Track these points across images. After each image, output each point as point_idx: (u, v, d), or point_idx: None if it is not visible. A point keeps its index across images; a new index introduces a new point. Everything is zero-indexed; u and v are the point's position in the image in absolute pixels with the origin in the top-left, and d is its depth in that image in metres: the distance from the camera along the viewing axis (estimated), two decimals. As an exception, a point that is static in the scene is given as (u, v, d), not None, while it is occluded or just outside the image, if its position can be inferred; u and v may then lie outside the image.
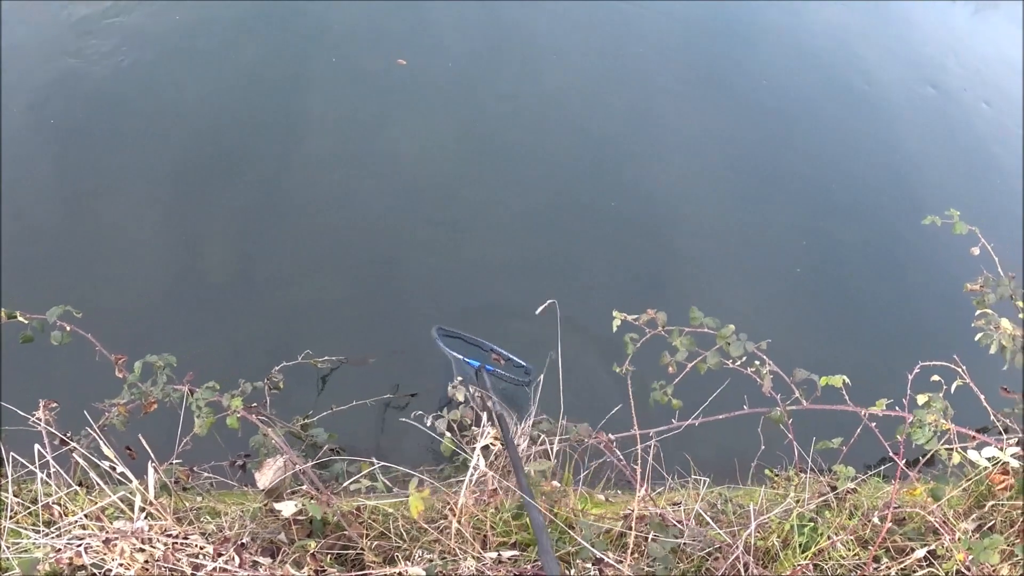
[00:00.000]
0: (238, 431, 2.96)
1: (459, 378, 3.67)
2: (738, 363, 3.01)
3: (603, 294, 5.40)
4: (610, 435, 3.04)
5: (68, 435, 2.99)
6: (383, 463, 2.91)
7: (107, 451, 2.33)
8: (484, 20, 8.31)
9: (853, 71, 8.24)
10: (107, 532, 2.27)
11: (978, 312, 3.66)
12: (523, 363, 4.32)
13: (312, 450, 3.39)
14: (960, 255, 4.04)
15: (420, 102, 7.19)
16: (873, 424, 2.82)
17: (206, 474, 2.97)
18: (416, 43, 7.81)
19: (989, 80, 8.39)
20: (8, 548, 2.36)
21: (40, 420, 2.73)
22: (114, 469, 2.33)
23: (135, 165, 6.38)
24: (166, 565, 2.30)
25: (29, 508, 2.54)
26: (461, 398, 3.53)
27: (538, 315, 3.14)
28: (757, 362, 3.06)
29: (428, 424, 3.09)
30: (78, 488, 2.56)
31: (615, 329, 3.07)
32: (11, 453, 2.72)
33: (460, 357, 4.33)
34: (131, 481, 2.41)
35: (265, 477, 2.88)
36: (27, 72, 7.01)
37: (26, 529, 2.49)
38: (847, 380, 2.71)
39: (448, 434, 3.05)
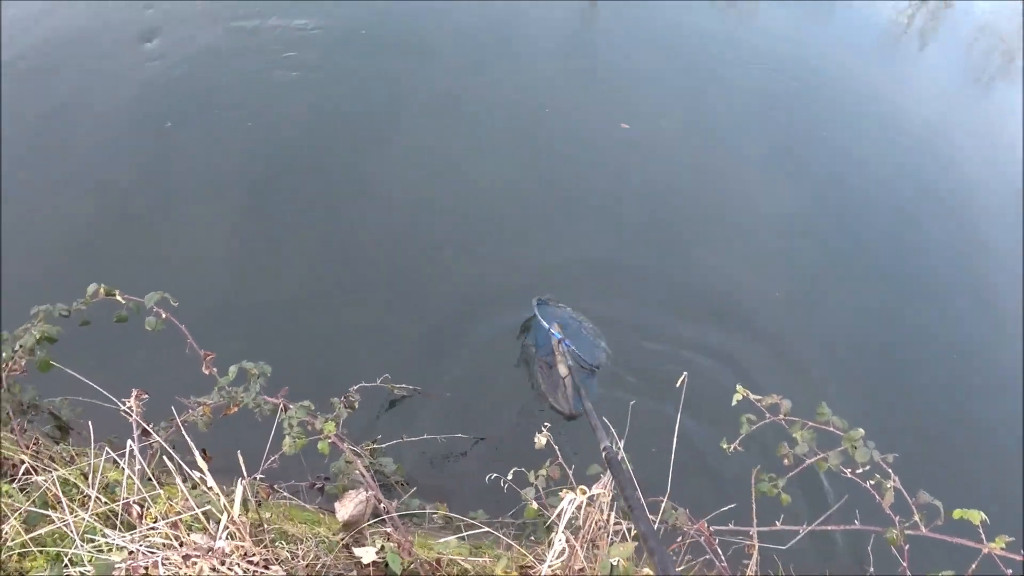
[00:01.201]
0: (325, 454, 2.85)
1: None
2: (860, 471, 2.78)
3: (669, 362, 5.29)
4: (711, 527, 2.82)
5: (151, 426, 2.93)
6: (459, 517, 2.77)
7: (201, 463, 2.22)
8: (583, 71, 8.42)
9: (939, 165, 8.05)
10: (187, 547, 2.15)
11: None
12: (593, 364, 5.03)
13: (379, 476, 3.27)
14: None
15: (503, 142, 7.27)
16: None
17: (284, 493, 2.85)
18: (518, 88, 7.90)
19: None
20: (84, 544, 2.27)
21: (131, 410, 2.65)
22: (204, 481, 2.22)
23: (227, 169, 6.59)
24: (240, 592, 2.18)
25: (106, 503, 2.45)
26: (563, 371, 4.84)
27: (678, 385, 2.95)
28: (877, 474, 2.83)
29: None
30: (160, 489, 2.46)
31: (734, 403, 2.88)
32: (100, 444, 2.63)
33: (546, 327, 5.02)
34: (213, 491, 2.29)
35: (345, 509, 2.76)
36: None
37: (101, 524, 2.40)
38: (986, 518, 2.45)
39: (534, 493, 2.89)
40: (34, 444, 3.10)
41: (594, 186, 7.01)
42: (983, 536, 2.50)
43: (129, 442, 2.40)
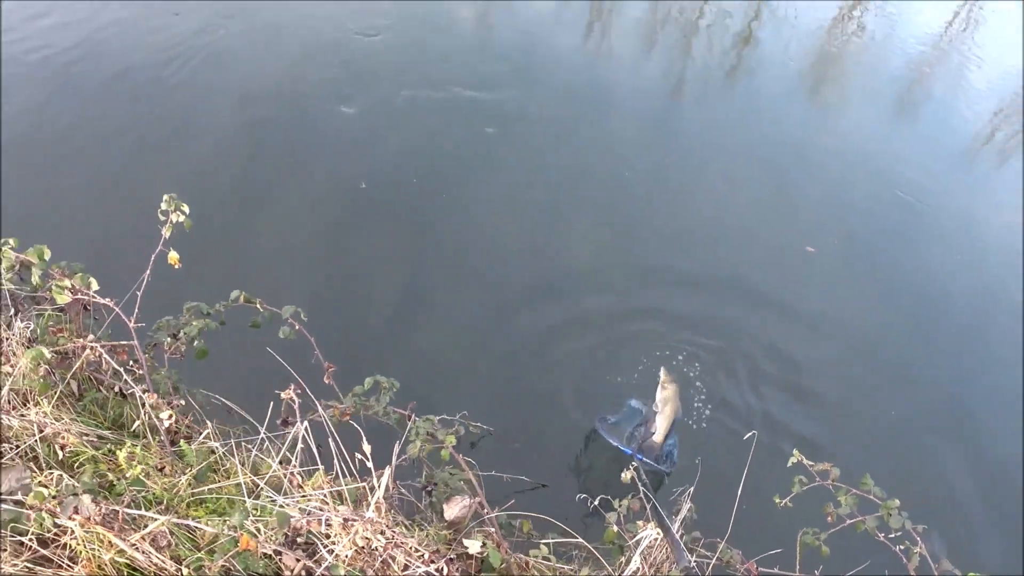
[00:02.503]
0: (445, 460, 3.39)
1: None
2: (892, 535, 3.24)
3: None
4: (759, 568, 3.30)
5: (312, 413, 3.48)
6: (552, 521, 3.28)
7: (366, 447, 2.76)
8: (661, 140, 9.06)
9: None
10: (347, 514, 2.69)
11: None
12: (662, 468, 5.37)
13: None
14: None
15: (585, 204, 7.88)
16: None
17: (402, 490, 3.38)
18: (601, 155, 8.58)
19: None
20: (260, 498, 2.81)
21: (293, 400, 3.20)
22: (364, 462, 2.76)
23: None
24: (382, 556, 2.70)
25: (274, 471, 2.99)
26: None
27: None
28: (907, 541, 3.29)
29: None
30: (321, 467, 3.01)
31: (790, 464, 3.37)
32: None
33: (615, 444, 5.44)
34: (370, 476, 2.83)
35: (452, 510, 3.29)
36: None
37: (269, 490, 2.94)
38: (999, 582, 2.91)
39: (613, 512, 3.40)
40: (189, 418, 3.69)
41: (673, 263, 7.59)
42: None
43: (299, 424, 2.95)
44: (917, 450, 6.42)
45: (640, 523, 3.25)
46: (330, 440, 3.14)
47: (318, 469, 3.04)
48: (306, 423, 3.07)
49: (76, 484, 2.72)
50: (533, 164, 8.44)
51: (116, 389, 3.73)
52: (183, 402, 3.65)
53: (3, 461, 2.97)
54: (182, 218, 3.53)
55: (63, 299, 3.50)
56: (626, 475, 3.41)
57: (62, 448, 3.13)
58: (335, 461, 3.06)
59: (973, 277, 8.43)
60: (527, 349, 6.39)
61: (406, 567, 2.71)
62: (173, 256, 3.54)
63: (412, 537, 3.11)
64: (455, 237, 7.36)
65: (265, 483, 2.90)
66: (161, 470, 3.13)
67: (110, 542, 2.69)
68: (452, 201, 7.74)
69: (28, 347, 3.48)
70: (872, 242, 8.52)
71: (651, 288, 7.19)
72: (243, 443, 3.34)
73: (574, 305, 6.87)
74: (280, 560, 2.74)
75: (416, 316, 6.55)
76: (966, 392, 7.06)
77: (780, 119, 10.49)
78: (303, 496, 2.90)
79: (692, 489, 3.47)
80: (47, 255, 3.56)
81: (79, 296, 3.57)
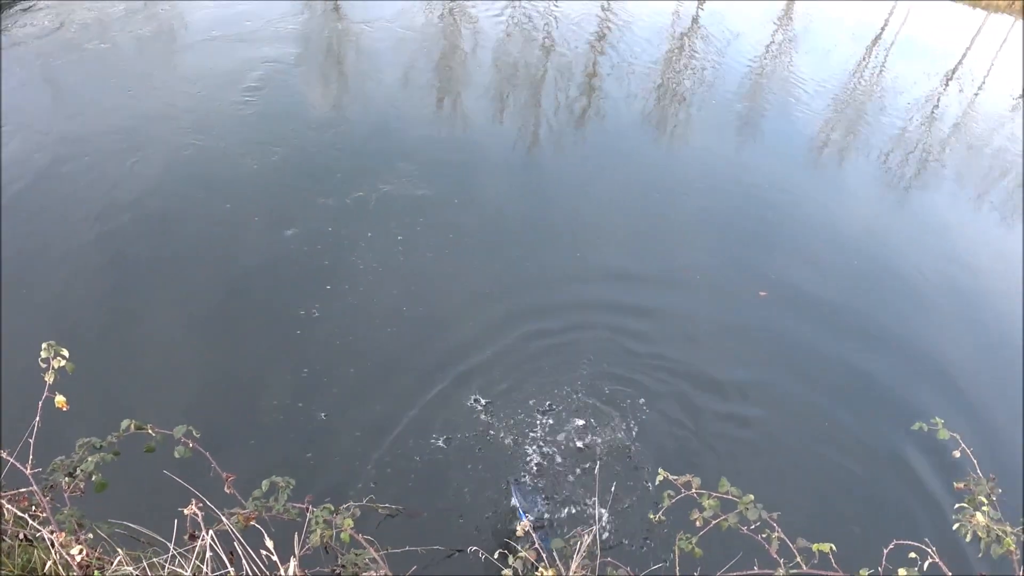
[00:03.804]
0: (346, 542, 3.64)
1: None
2: (754, 527, 3.68)
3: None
4: (644, 577, 3.68)
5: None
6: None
7: (268, 543, 3.01)
8: (527, 192, 9.57)
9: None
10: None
11: (956, 506, 4.32)
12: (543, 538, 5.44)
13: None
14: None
15: (460, 267, 8.29)
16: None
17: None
18: (470, 216, 8.99)
19: None
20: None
21: (197, 514, 3.41)
22: (270, 557, 3.01)
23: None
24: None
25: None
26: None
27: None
28: (768, 530, 3.73)
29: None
30: (231, 570, 3.23)
31: (658, 482, 3.78)
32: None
33: (520, 508, 5.75)
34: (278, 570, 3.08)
35: (364, 586, 3.55)
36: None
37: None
38: (834, 548, 3.38)
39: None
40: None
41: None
42: (833, 563, 3.41)
43: (205, 534, 3.18)
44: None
45: (540, 570, 3.58)
46: (236, 544, 3.37)
47: (229, 572, 3.26)
48: (211, 533, 3.29)
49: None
50: (402, 239, 8.77)
51: (20, 536, 3.83)
52: (91, 535, 3.78)
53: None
54: (63, 363, 3.71)
55: (-47, 458, 3.61)
56: (521, 528, 3.75)
57: (-24, 604, 3.23)
58: (244, 563, 3.28)
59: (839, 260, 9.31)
60: (424, 424, 6.67)
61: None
62: (60, 400, 3.70)
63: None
64: (334, 320, 7.61)
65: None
66: (78, 605, 3.28)
67: None
68: (328, 284, 7.98)
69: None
70: (744, 251, 9.28)
71: (530, 347, 7.60)
72: (155, 563, 3.52)
73: (461, 373, 7.21)
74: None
75: (309, 404, 6.76)
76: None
77: (632, 154, 11.27)
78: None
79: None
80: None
81: (-31, 452, 3.69)
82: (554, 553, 4.04)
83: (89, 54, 11.67)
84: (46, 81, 10.95)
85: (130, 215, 8.60)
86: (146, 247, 8.25)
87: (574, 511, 5.85)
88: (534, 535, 5.34)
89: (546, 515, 5.83)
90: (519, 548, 3.83)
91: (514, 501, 5.87)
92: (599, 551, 3.96)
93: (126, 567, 3.47)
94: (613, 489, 5.06)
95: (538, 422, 6.71)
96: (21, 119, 9.93)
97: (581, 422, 6.77)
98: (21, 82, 10.71)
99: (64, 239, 8.19)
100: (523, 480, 6.24)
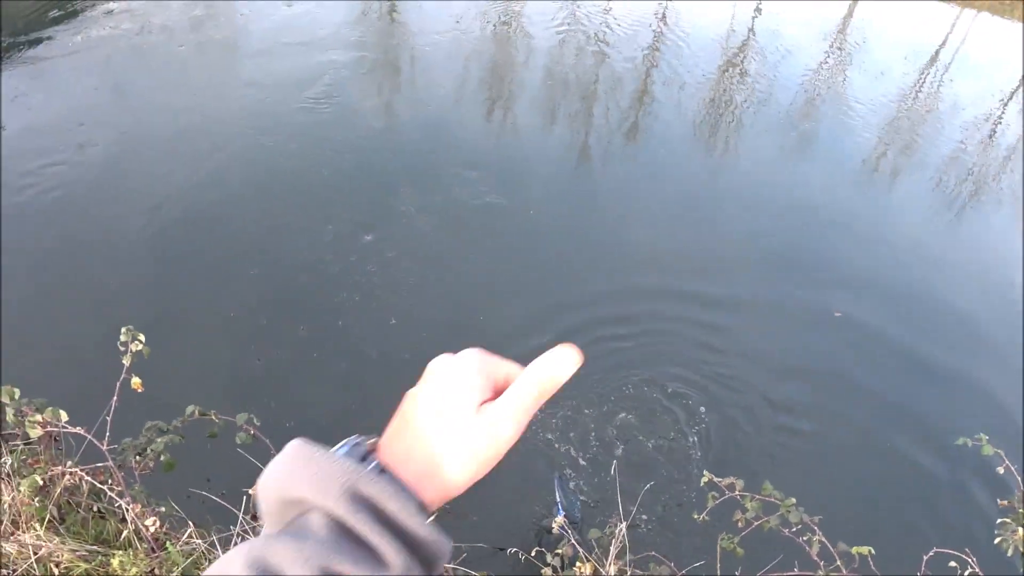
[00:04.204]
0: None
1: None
2: (795, 529, 3.79)
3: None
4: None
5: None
6: None
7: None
8: (575, 204, 9.72)
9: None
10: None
11: (999, 521, 4.37)
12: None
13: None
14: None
15: (507, 279, 8.44)
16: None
17: None
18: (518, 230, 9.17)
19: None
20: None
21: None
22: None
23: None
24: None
25: None
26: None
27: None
28: (809, 533, 3.83)
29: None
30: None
31: (703, 484, 3.91)
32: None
33: (560, 502, 5.86)
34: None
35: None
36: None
37: None
38: (872, 551, 3.47)
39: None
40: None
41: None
42: (871, 566, 3.51)
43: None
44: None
45: (577, 566, 3.73)
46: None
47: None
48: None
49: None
50: (452, 244, 8.95)
51: (95, 509, 4.06)
52: (163, 509, 4.00)
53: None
54: (140, 347, 3.93)
55: (35, 433, 3.86)
56: (556, 524, 3.91)
57: (56, 566, 3.46)
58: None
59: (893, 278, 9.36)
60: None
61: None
62: (136, 382, 3.93)
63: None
64: (380, 321, 7.78)
65: None
66: (151, 572, 3.49)
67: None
68: (373, 285, 8.17)
69: (9, 481, 3.81)
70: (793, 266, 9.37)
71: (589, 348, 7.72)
72: (223, 537, 3.72)
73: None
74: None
75: (361, 398, 6.92)
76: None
77: (682, 168, 11.36)
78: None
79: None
80: (17, 395, 3.93)
81: (49, 428, 3.94)
82: (593, 542, 4.17)
83: (161, 58, 12.07)
84: (119, 83, 11.33)
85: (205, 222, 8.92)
86: (228, 251, 8.55)
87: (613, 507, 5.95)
88: (568, 532, 5.53)
89: (579, 515, 5.94)
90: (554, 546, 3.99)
91: (557, 495, 5.99)
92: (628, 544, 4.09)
93: (196, 540, 3.67)
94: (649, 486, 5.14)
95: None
96: (97, 117, 10.34)
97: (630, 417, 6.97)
98: (96, 85, 11.15)
99: (125, 234, 8.51)
100: (567, 476, 6.37)
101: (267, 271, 8.22)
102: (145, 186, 9.20)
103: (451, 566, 4.15)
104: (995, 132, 14.65)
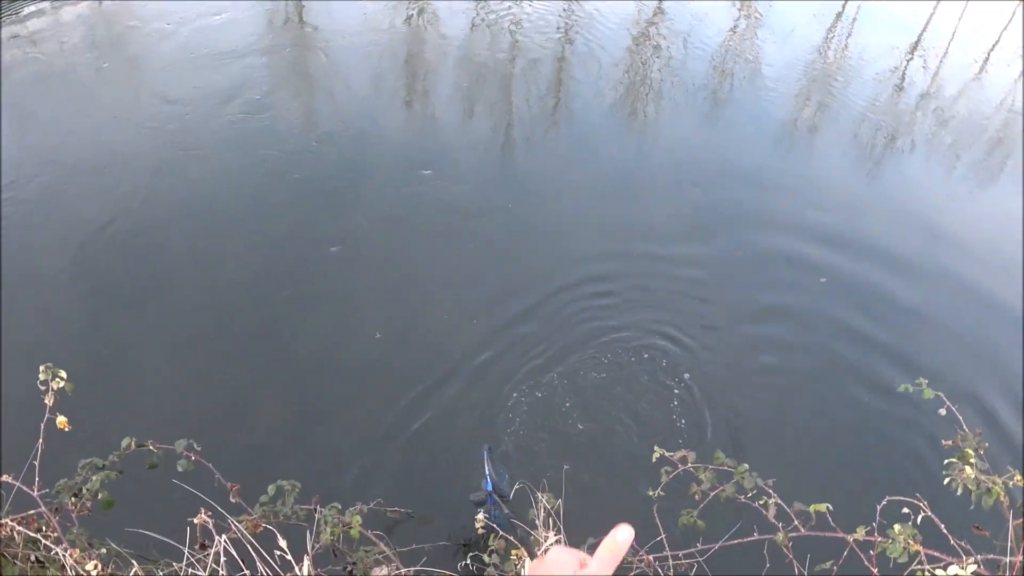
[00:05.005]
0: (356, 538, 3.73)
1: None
2: (750, 495, 3.79)
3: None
4: (650, 555, 3.78)
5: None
6: None
7: (282, 542, 3.08)
8: (502, 192, 9.67)
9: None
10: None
11: (946, 461, 4.44)
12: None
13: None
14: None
15: (443, 275, 8.37)
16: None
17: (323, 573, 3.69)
18: (446, 222, 9.08)
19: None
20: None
21: (207, 522, 3.48)
22: (283, 556, 3.08)
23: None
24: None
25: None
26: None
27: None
28: (765, 497, 3.84)
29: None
30: (247, 572, 3.30)
31: (654, 460, 3.88)
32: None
33: (487, 474, 5.77)
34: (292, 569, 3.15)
35: (374, 578, 3.63)
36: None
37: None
38: (830, 507, 3.49)
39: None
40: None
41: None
42: (831, 522, 3.52)
43: (219, 540, 3.24)
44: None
45: (513, 554, 3.68)
46: (249, 548, 3.44)
47: (245, 574, 3.33)
48: (224, 538, 3.36)
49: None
50: (384, 245, 8.82)
51: (32, 559, 3.87)
52: (104, 551, 3.84)
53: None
54: (62, 383, 3.76)
55: (-41, 487, 3.66)
56: (479, 520, 3.87)
57: (-5, 627, 3.28)
58: (258, 564, 3.36)
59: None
60: (431, 430, 6.73)
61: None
62: (62, 420, 3.75)
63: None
64: (328, 330, 7.65)
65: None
66: (98, 619, 3.33)
67: None
68: (319, 297, 8.02)
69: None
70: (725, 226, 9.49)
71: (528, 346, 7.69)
72: (172, 572, 3.58)
73: (456, 377, 7.28)
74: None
75: (310, 417, 6.80)
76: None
77: (607, 146, 11.38)
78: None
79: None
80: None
81: (-27, 480, 3.74)
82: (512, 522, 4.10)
83: (75, 82, 11.61)
84: (31, 110, 10.86)
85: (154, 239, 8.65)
86: (194, 277, 8.33)
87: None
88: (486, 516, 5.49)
89: (507, 488, 5.83)
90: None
91: (485, 468, 5.86)
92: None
93: (141, 578, 3.53)
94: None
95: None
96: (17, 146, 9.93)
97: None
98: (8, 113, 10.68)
99: (55, 260, 8.18)
100: (496, 449, 6.27)
101: (204, 295, 7.99)
102: (70, 217, 8.85)
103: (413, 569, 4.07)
104: (903, 83, 15.03)
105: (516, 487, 5.35)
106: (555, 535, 3.68)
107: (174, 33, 13.08)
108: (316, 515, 3.77)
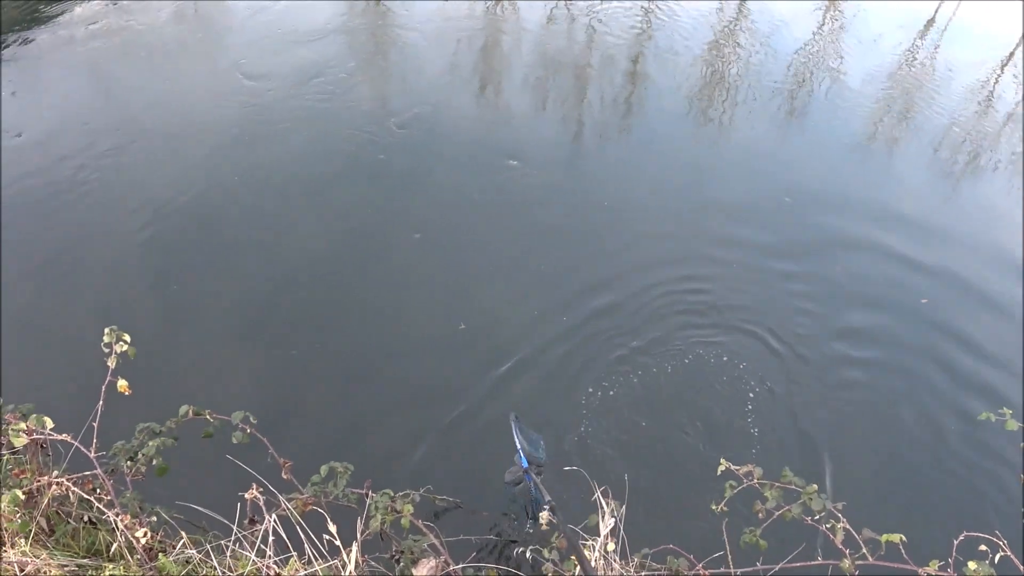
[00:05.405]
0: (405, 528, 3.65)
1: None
2: (818, 518, 3.61)
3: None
4: (707, 572, 3.63)
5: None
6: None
7: (331, 527, 3.02)
8: (573, 184, 9.53)
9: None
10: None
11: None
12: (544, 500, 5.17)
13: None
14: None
15: (509, 265, 8.26)
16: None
17: (372, 562, 3.63)
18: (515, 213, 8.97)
19: None
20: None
21: (258, 498, 3.44)
22: (332, 541, 3.02)
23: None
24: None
25: (253, 564, 3.22)
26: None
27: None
28: (833, 520, 3.66)
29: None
30: (294, 553, 3.25)
31: (719, 473, 3.73)
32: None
33: (519, 448, 5.38)
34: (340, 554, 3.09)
35: (420, 572, 3.55)
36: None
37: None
38: (904, 538, 3.30)
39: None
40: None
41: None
42: (903, 554, 3.33)
43: (268, 520, 3.20)
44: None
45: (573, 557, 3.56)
46: (298, 528, 3.39)
47: (292, 556, 3.28)
48: (274, 517, 3.31)
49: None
50: (450, 232, 8.74)
51: (85, 519, 3.90)
52: (154, 519, 3.84)
53: None
54: (125, 347, 3.76)
55: (20, 442, 3.69)
56: (543, 518, 3.74)
57: (45, 583, 3.30)
58: (305, 546, 3.31)
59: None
60: (481, 418, 6.62)
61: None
62: (123, 384, 3.76)
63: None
64: (385, 317, 7.59)
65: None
66: (143, 585, 3.33)
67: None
68: (380, 281, 7.97)
69: (-5, 494, 3.64)
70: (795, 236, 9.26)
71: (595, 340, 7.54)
72: (219, 545, 3.56)
73: (516, 371, 7.16)
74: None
75: (373, 402, 6.73)
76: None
77: (678, 144, 11.17)
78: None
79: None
80: (-1, 402, 3.76)
81: (34, 436, 3.77)
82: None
83: (154, 55, 11.84)
84: (113, 81, 11.10)
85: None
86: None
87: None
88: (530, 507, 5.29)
89: (543, 456, 5.54)
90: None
91: (516, 440, 5.46)
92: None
93: (190, 550, 3.51)
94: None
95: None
96: (97, 117, 10.14)
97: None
98: (89, 84, 10.93)
99: (126, 235, 8.31)
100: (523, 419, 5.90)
101: (272, 270, 8.02)
102: (148, 181, 9.00)
103: (461, 565, 3.97)
104: (991, 98, 14.43)
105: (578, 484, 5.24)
106: (614, 542, 3.55)
107: (263, 10, 13.25)
108: (367, 499, 3.70)
